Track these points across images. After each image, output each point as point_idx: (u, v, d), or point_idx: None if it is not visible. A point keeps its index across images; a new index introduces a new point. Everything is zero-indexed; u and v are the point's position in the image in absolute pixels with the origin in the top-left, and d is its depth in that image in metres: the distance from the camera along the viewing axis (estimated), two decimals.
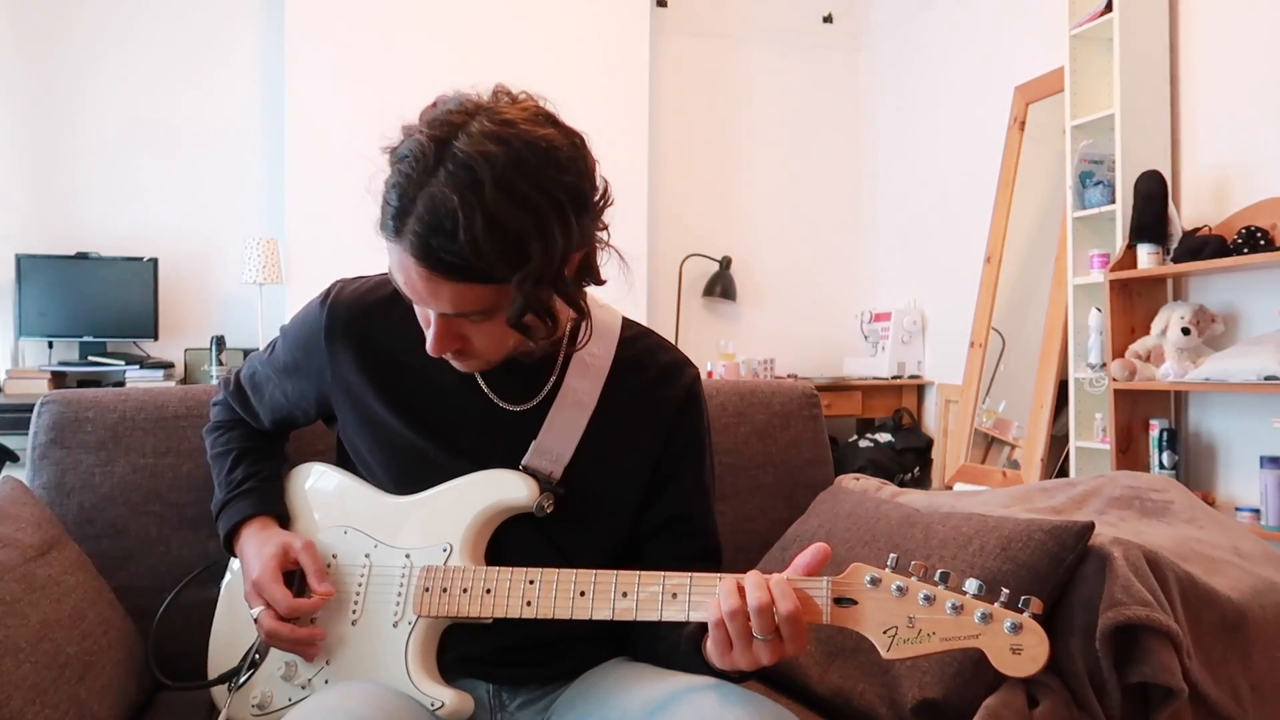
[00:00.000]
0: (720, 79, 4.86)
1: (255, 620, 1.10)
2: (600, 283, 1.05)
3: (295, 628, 1.09)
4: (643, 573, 1.00)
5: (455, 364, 1.06)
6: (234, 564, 1.25)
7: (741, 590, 0.92)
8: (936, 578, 0.90)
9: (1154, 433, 3.07)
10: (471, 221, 0.89)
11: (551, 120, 0.97)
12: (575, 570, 1.02)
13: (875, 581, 0.91)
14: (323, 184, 4.06)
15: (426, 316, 1.01)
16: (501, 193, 0.90)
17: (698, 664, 1.02)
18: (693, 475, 1.18)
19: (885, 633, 0.90)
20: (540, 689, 1.16)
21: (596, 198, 0.99)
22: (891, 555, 0.92)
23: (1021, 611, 0.87)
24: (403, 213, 0.92)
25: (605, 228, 1.02)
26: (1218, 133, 3.06)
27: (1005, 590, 0.88)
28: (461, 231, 0.90)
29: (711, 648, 0.97)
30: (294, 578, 1.13)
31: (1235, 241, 2.77)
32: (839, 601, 0.92)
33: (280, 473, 1.26)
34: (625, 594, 0.99)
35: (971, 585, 0.89)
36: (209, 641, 1.23)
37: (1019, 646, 0.86)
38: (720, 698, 0.95)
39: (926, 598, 0.89)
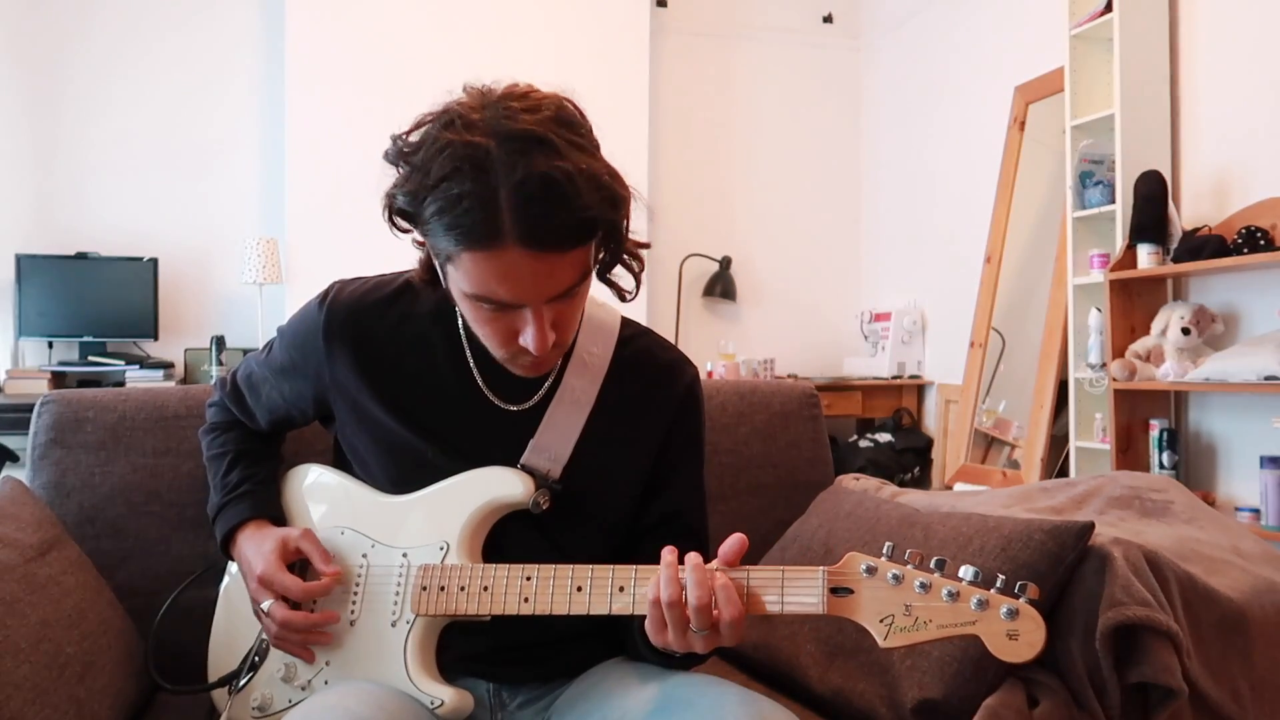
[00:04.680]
0: (720, 78, 4.86)
1: (267, 614, 1.10)
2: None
3: (309, 614, 1.09)
4: (639, 568, 1.00)
5: (528, 369, 1.05)
6: (232, 566, 1.25)
7: (682, 583, 0.92)
8: (932, 565, 0.90)
9: (1154, 433, 3.06)
10: (571, 179, 0.91)
11: (537, 89, 1.00)
12: (572, 566, 1.02)
13: (871, 570, 0.91)
14: (323, 184, 4.05)
15: (511, 326, 0.99)
16: (573, 147, 0.93)
17: (646, 648, 1.02)
18: (690, 473, 1.19)
19: (882, 621, 0.89)
20: (540, 688, 1.16)
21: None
22: (887, 544, 0.92)
23: (1018, 597, 0.86)
24: (494, 214, 0.90)
25: None
26: (1218, 133, 3.06)
27: (1001, 576, 0.88)
28: (568, 193, 0.91)
29: (647, 624, 0.96)
30: (294, 569, 1.13)
31: (1235, 241, 2.76)
32: (835, 591, 0.91)
33: (276, 475, 1.26)
34: (621, 589, 0.99)
35: (967, 572, 0.88)
36: (208, 643, 1.23)
37: (1015, 632, 0.85)
38: (720, 697, 0.95)
39: (923, 585, 0.89)
